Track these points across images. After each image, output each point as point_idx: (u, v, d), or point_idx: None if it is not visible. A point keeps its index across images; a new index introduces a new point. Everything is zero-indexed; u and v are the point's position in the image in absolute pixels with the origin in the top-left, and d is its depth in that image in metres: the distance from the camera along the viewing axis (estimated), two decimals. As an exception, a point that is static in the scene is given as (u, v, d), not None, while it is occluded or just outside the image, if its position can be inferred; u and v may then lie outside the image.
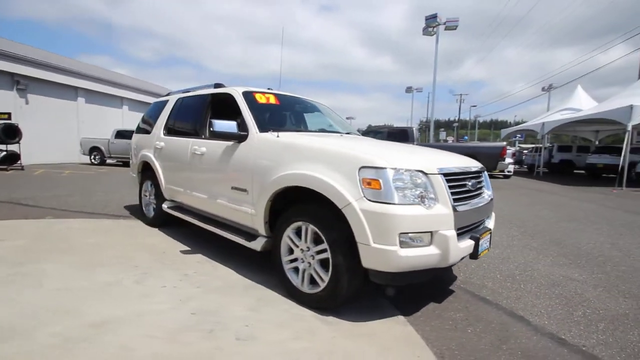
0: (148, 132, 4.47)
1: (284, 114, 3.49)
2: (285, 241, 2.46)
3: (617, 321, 2.34)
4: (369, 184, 1.99)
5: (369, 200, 1.96)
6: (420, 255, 1.96)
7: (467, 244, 2.15)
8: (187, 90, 4.25)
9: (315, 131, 3.29)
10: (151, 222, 4.34)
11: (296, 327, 2.09)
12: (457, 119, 68.19)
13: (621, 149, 16.03)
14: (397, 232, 1.91)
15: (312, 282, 2.32)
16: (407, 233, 1.92)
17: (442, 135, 48.73)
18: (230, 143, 2.95)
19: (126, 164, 15.78)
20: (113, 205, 5.68)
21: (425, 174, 2.05)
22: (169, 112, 4.17)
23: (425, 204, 1.99)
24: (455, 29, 17.22)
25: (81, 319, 2.05)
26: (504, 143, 11.15)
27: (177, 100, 4.13)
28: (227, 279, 2.78)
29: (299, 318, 2.21)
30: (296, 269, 2.42)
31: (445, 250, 2.00)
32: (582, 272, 3.28)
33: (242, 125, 2.87)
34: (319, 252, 2.25)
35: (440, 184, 2.06)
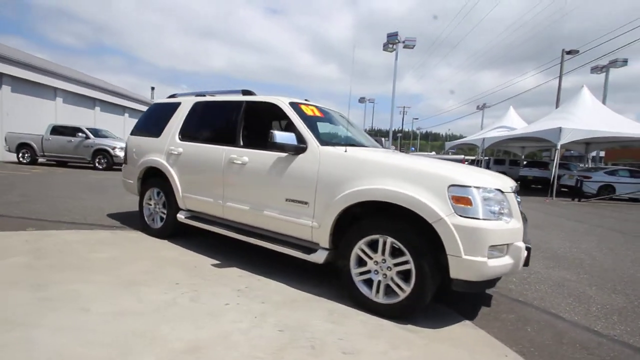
0: (153, 135, 4.15)
1: (329, 126, 3.53)
2: (356, 253, 2.52)
3: (623, 313, 2.85)
4: (458, 200, 2.18)
5: (460, 215, 2.15)
6: (502, 265, 2.20)
7: (525, 253, 2.46)
8: (201, 94, 4.06)
9: (356, 144, 3.37)
10: (158, 233, 4.01)
11: (386, 337, 2.17)
12: (400, 129, 72.50)
13: (547, 163, 18.77)
14: (488, 245, 2.12)
15: (387, 292, 2.43)
16: (495, 246, 2.15)
17: (387, 144, 51.70)
18: (283, 154, 2.92)
19: (62, 164, 13.98)
20: (93, 214, 5.08)
21: (502, 192, 2.30)
22: (184, 115, 3.93)
23: (504, 219, 2.25)
24: (412, 47, 18.67)
25: (168, 346, 1.89)
26: (462, 156, 12.34)
27: (194, 104, 3.91)
28: (284, 293, 2.74)
29: (382, 328, 2.29)
30: (368, 281, 2.50)
31: (517, 259, 2.27)
32: (572, 274, 3.85)
33: (298, 138, 2.87)
34: (397, 264, 2.36)
35: (513, 201, 2.34)
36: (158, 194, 4.05)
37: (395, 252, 2.38)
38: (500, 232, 2.17)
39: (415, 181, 2.31)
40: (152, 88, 36.41)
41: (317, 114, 3.34)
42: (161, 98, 4.60)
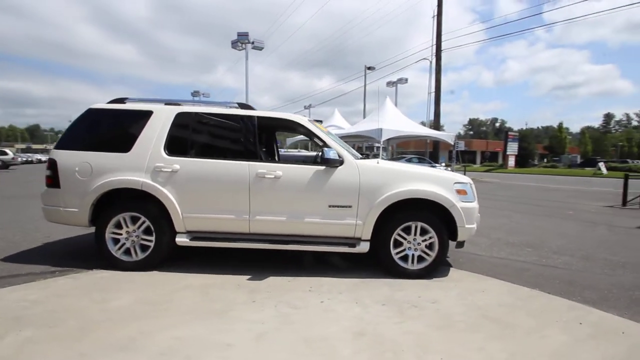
0: (115, 150, 3.44)
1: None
2: (394, 238, 3.41)
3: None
4: (459, 192, 3.45)
5: (462, 201, 3.43)
6: (476, 229, 3.65)
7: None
8: (172, 102, 3.70)
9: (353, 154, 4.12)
10: (140, 266, 3.42)
11: (433, 285, 3.22)
12: None
13: (368, 154, 24.05)
14: (475, 217, 3.51)
15: (419, 261, 3.46)
16: (476, 217, 3.57)
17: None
18: (321, 167, 3.39)
19: None
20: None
21: (470, 184, 3.74)
22: (166, 127, 3.50)
23: (476, 200, 3.70)
24: (261, 49, 19.52)
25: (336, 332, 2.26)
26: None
27: (179, 115, 3.55)
28: (343, 283, 3.28)
29: (426, 285, 3.31)
30: (403, 257, 3.45)
31: (477, 225, 3.79)
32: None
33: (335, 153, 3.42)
34: (424, 240, 3.43)
35: (474, 188, 3.83)
36: (134, 219, 3.42)
37: (422, 232, 3.43)
38: (477, 209, 3.61)
39: (434, 182, 3.43)
40: None
41: (324, 129, 3.89)
42: (99, 103, 3.69)
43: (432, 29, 21.75)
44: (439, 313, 2.68)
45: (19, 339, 2.10)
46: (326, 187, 3.38)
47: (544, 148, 55.15)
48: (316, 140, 3.71)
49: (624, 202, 9.05)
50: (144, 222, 3.42)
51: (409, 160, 19.76)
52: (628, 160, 43.86)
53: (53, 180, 3.46)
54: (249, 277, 3.36)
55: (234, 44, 18.75)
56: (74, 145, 3.52)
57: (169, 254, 3.52)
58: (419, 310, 2.72)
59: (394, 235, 3.41)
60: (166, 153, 3.44)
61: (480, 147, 56.20)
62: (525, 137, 44.60)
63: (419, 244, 3.44)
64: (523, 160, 41.03)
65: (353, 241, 3.47)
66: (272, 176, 3.38)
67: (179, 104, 3.71)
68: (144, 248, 3.46)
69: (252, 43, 18.94)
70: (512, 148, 38.39)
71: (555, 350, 2.21)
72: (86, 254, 4.05)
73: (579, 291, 3.24)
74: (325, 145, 3.52)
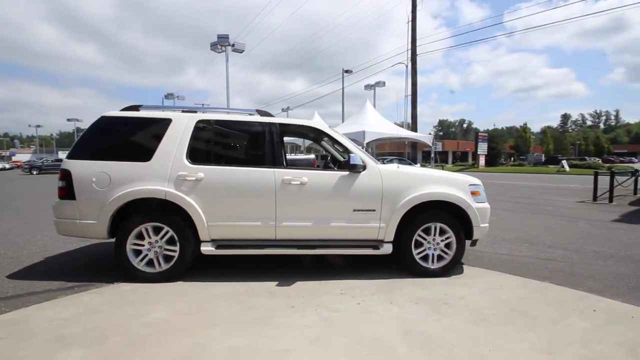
0: (133, 159, 3.36)
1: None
2: (415, 239, 3.56)
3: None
4: (473, 193, 3.66)
5: (476, 202, 3.65)
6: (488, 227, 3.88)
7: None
8: (190, 109, 3.68)
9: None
10: (164, 277, 3.36)
11: (454, 283, 3.40)
12: None
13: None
14: (487, 216, 3.73)
15: (438, 260, 3.63)
16: (488, 216, 3.80)
17: None
18: (345, 173, 3.48)
19: None
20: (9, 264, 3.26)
21: (481, 185, 3.97)
22: (188, 135, 3.46)
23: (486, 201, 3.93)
24: (242, 52, 19.28)
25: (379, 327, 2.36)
26: (314, 156, 14.54)
27: (199, 122, 3.52)
28: (372, 284, 3.38)
29: (447, 281, 3.48)
30: (424, 257, 3.61)
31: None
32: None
33: (348, 157, 3.52)
34: (443, 240, 3.61)
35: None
36: (156, 230, 3.35)
37: (441, 232, 3.61)
38: (489, 208, 3.84)
39: (451, 185, 3.62)
40: None
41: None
42: (112, 111, 3.58)
43: (408, 34, 22.55)
44: (469, 309, 2.85)
45: (72, 359, 2.03)
46: (351, 192, 3.48)
47: (511, 147, 58.28)
48: (337, 146, 3.80)
49: (595, 198, 9.81)
50: (167, 232, 3.36)
51: (391, 162, 20.27)
52: (586, 157, 47.29)
53: (67, 192, 3.32)
54: (277, 283, 3.39)
55: (214, 46, 18.40)
56: (89, 154, 3.39)
57: (188, 266, 3.46)
58: (451, 307, 2.87)
59: (415, 236, 3.56)
60: (189, 161, 3.40)
61: (452, 147, 58.52)
62: (494, 138, 46.88)
63: (437, 243, 3.62)
64: (492, 160, 43.11)
65: (376, 243, 3.58)
66: (298, 182, 3.43)
67: (195, 112, 3.68)
68: (167, 258, 3.39)
69: (233, 45, 18.68)
70: (482, 148, 40.25)
71: (582, 335, 2.42)
72: (98, 266, 3.91)
73: (582, 282, 3.53)
74: (347, 151, 3.62)
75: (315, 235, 3.52)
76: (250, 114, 3.76)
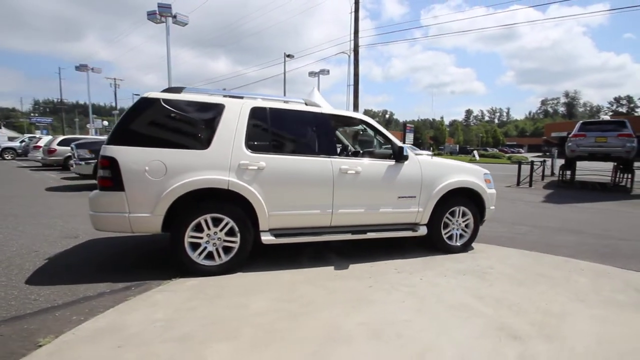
0: (190, 147, 3.17)
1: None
2: (443, 221, 4.12)
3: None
4: (487, 181, 4.35)
5: (488, 189, 4.34)
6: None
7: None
8: (236, 95, 3.59)
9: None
10: (224, 269, 3.29)
11: (479, 256, 4.05)
12: (113, 105, 60.83)
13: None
14: (494, 200, 4.48)
15: (460, 238, 4.26)
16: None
17: (99, 123, 43.34)
18: (392, 162, 3.82)
19: None
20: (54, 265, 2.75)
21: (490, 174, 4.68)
22: (244, 122, 3.37)
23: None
24: (184, 25, 17.39)
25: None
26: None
27: (253, 110, 3.45)
28: (417, 262, 3.82)
29: (472, 256, 4.12)
30: (450, 236, 4.19)
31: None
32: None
33: (396, 148, 3.87)
34: (464, 221, 4.24)
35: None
36: (216, 221, 3.24)
37: (463, 214, 4.23)
38: (495, 193, 4.58)
39: (472, 174, 4.24)
40: None
41: (378, 127, 4.28)
42: (152, 92, 3.24)
43: (350, 25, 23.31)
44: (504, 275, 3.50)
45: (222, 353, 2.00)
46: (397, 180, 3.84)
47: (430, 138, 65.18)
48: (379, 137, 4.08)
49: (518, 183, 11.93)
50: (227, 224, 3.27)
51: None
52: (487, 148, 55.55)
53: (113, 182, 2.98)
54: (333, 267, 3.60)
55: (151, 16, 16.28)
56: (136, 140, 3.07)
57: (247, 256, 3.44)
58: (491, 276, 3.48)
59: (444, 219, 4.11)
60: (248, 150, 3.33)
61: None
62: (418, 129, 51.88)
63: (459, 224, 4.23)
64: (416, 149, 47.84)
65: (413, 226, 4.03)
66: (354, 171, 3.64)
67: (241, 97, 3.58)
68: (226, 250, 3.31)
69: (175, 17, 16.81)
70: (409, 138, 44.22)
71: (590, 288, 3.23)
72: (135, 264, 3.60)
73: (558, 250, 4.52)
74: (390, 142, 3.94)
75: (366, 221, 3.81)
76: (298, 102, 3.80)
